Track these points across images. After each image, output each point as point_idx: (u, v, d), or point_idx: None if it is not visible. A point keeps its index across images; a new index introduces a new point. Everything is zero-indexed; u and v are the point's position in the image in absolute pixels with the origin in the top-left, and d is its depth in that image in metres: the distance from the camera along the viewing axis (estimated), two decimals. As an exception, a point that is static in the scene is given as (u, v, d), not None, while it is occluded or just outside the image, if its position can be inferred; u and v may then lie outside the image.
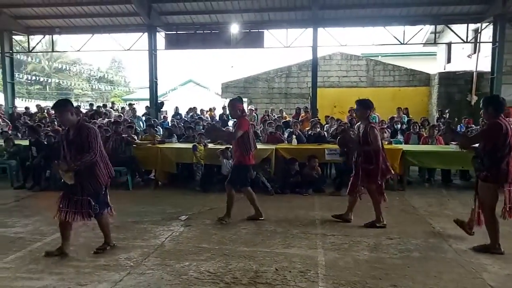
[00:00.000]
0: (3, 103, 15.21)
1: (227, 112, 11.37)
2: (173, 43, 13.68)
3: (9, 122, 12.44)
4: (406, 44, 13.49)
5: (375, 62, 17.52)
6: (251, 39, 13.33)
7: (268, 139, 8.46)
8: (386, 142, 7.91)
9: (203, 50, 17.50)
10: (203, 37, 13.45)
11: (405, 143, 8.56)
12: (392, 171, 5.19)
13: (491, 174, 3.91)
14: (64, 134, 4.02)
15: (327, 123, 10.81)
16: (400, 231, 4.84)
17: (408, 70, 16.90)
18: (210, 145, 7.78)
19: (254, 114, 13.73)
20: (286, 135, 8.94)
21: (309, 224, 5.14)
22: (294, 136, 8.05)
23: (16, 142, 8.44)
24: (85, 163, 3.77)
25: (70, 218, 3.86)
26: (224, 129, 8.90)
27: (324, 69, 17.12)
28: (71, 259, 3.99)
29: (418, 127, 9.10)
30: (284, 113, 14.24)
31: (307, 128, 9.98)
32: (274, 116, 12.81)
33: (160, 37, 13.81)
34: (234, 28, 13.11)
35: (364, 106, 4.98)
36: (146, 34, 13.70)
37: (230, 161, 7.18)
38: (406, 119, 11.74)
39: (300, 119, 12.03)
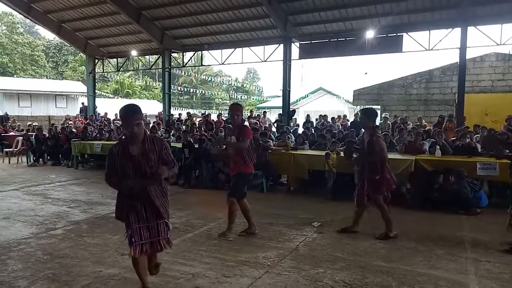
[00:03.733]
0: (161, 111, 17.91)
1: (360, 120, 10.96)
2: (307, 52, 13.98)
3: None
4: None
5: (543, 62, 14.75)
6: (388, 43, 12.67)
7: (406, 149, 7.90)
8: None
9: (333, 58, 17.42)
10: (337, 45, 13.37)
11: None
12: (395, 182, 4.96)
13: None
14: (124, 149, 3.01)
15: (476, 133, 9.52)
16: None
17: None
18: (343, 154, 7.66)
19: (388, 122, 13.00)
20: (426, 145, 8.20)
21: (457, 246, 4.59)
22: (438, 147, 7.33)
23: (172, 145, 9.79)
24: (172, 176, 3.11)
25: (148, 250, 3.08)
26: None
27: (473, 72, 15.19)
28: (216, 252, 4.41)
29: None
30: (423, 121, 13.09)
31: (452, 138, 8.98)
32: (409, 124, 11.90)
33: (295, 47, 14.28)
34: (370, 34, 12.68)
35: (368, 115, 4.96)
36: (281, 45, 14.34)
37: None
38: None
39: (443, 127, 10.88)
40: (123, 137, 3.20)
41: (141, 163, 2.98)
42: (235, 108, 4.86)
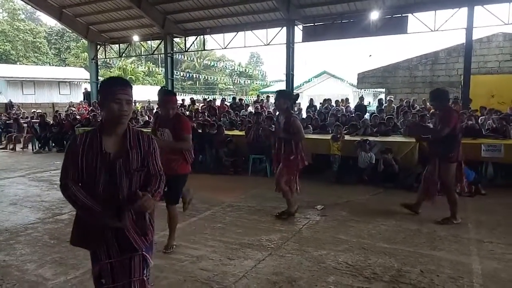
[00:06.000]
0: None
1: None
2: (310, 35, 13.79)
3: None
4: None
5: (552, 42, 14.46)
6: (393, 25, 12.45)
7: (409, 132, 7.84)
8: None
9: (338, 42, 17.11)
10: (341, 27, 13.17)
11: None
12: (306, 162, 5.00)
13: None
14: (94, 141, 1.98)
15: (482, 115, 9.43)
16: None
17: None
18: (347, 137, 7.65)
19: (393, 105, 12.89)
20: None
21: (460, 227, 4.60)
22: (442, 129, 7.26)
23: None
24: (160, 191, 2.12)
25: None
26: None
27: (480, 53, 14.94)
28: (220, 235, 4.46)
29: None
30: (428, 103, 12.95)
31: (457, 121, 8.90)
32: (416, 108, 11.80)
33: (298, 30, 14.09)
34: (374, 15, 12.46)
35: (284, 97, 4.91)
36: (284, 28, 14.14)
37: (368, 154, 6.96)
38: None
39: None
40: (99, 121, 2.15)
41: (116, 167, 1.97)
42: (169, 100, 3.74)
